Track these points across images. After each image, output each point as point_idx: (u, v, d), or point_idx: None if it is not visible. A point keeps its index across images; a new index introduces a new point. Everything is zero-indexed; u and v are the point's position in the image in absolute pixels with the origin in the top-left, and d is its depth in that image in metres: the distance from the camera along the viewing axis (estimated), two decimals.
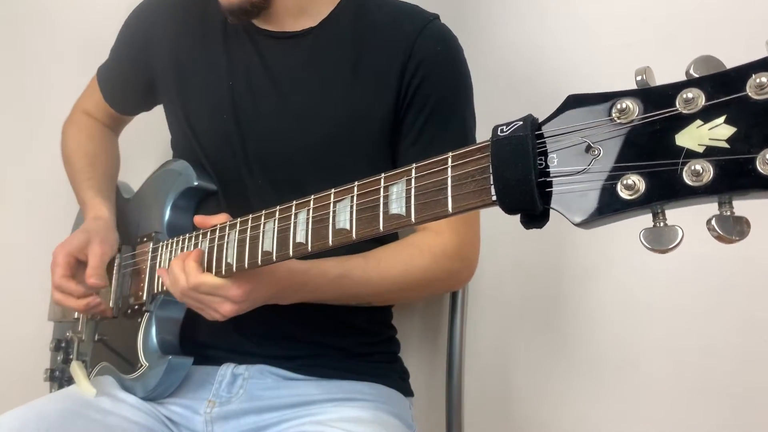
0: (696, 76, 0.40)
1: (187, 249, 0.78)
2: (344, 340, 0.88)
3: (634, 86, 0.42)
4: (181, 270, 0.72)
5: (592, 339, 1.04)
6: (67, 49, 1.42)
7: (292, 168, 0.84)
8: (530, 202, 0.44)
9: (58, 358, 1.00)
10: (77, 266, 0.87)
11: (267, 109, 0.86)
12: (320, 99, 0.84)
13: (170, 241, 0.82)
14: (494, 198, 0.45)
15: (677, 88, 0.40)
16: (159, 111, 0.99)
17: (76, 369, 0.87)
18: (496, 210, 1.08)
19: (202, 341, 0.86)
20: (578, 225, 0.42)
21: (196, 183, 0.86)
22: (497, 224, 1.07)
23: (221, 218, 0.73)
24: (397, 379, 0.93)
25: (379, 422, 0.80)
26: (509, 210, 0.45)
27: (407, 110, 0.84)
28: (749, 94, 0.37)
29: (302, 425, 0.80)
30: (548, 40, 1.06)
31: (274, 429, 0.82)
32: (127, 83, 1.01)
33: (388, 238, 0.93)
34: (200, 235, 0.75)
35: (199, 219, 0.75)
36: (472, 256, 0.90)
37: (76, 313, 0.97)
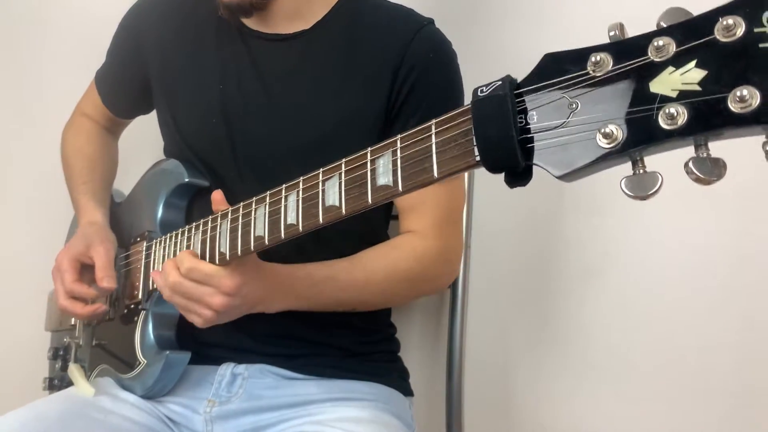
0: (665, 26, 0.41)
1: (180, 244, 0.79)
2: (344, 339, 0.88)
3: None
4: (172, 266, 0.72)
5: (591, 338, 1.03)
6: (66, 50, 1.43)
7: (282, 170, 0.83)
8: (513, 159, 0.44)
9: (57, 366, 1.00)
10: (83, 270, 0.86)
11: (257, 111, 0.86)
12: (311, 102, 0.85)
13: (163, 237, 0.83)
14: (478, 158, 0.46)
15: (648, 37, 0.41)
16: (154, 115, 1.00)
17: (73, 370, 0.87)
18: (495, 210, 1.09)
19: (202, 340, 0.85)
20: (560, 177, 0.43)
21: (187, 180, 0.86)
22: (498, 225, 1.08)
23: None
24: (396, 378, 0.92)
25: (378, 422, 0.80)
26: (493, 168, 0.46)
27: (398, 114, 0.85)
28: (717, 37, 0.38)
29: (302, 425, 0.80)
30: (547, 43, 1.07)
31: (274, 429, 0.81)
32: (123, 86, 1.02)
33: (379, 238, 0.93)
34: (192, 229, 0.76)
35: (218, 196, 0.73)
36: (455, 258, 0.91)
37: (73, 320, 0.97)
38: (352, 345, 0.89)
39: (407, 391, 0.93)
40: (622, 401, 1.00)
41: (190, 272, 0.71)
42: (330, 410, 0.81)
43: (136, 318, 0.85)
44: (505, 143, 0.44)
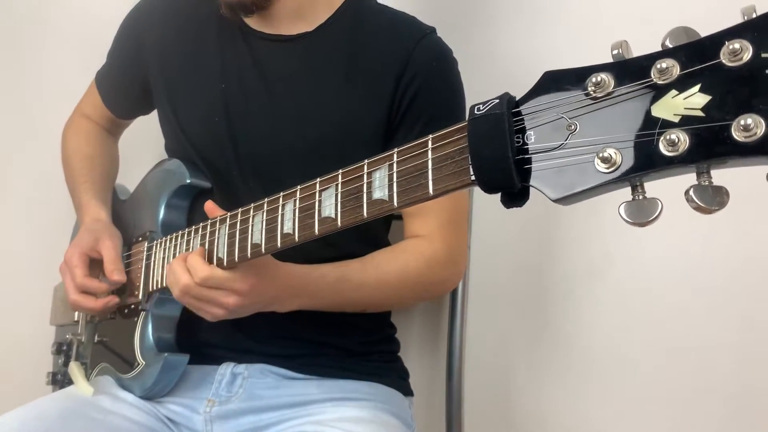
0: (671, 46, 0.39)
1: (179, 246, 0.79)
2: (344, 339, 0.88)
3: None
4: (183, 268, 0.72)
5: (591, 339, 1.03)
6: (66, 50, 1.43)
7: (283, 171, 0.84)
8: (508, 180, 0.43)
9: (59, 361, 1.01)
10: (92, 265, 0.87)
11: (259, 111, 0.86)
12: (312, 103, 0.85)
13: (164, 239, 0.83)
14: (473, 178, 0.45)
15: (652, 59, 0.39)
16: (155, 114, 0.99)
17: (74, 369, 0.88)
18: (496, 210, 1.09)
19: (202, 340, 0.86)
20: (556, 201, 0.42)
21: (189, 180, 0.86)
22: (498, 225, 1.07)
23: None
24: (396, 378, 0.92)
25: (378, 422, 0.80)
26: (488, 189, 0.45)
27: (400, 122, 0.85)
28: (723, 61, 0.37)
29: (302, 425, 0.80)
30: (547, 47, 1.06)
31: (274, 429, 0.82)
32: (123, 87, 1.02)
33: (378, 235, 0.93)
34: (192, 232, 0.76)
35: (210, 206, 0.74)
36: (461, 263, 0.91)
37: (76, 316, 0.98)
38: (352, 345, 0.89)
39: (407, 391, 0.93)
40: (622, 401, 1.00)
41: (206, 281, 0.70)
42: (330, 410, 0.82)
43: (136, 318, 0.85)
44: (500, 163, 0.43)
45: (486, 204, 1.04)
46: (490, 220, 1.06)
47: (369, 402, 0.84)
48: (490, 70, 1.08)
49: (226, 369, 0.85)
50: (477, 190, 1.04)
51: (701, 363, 0.95)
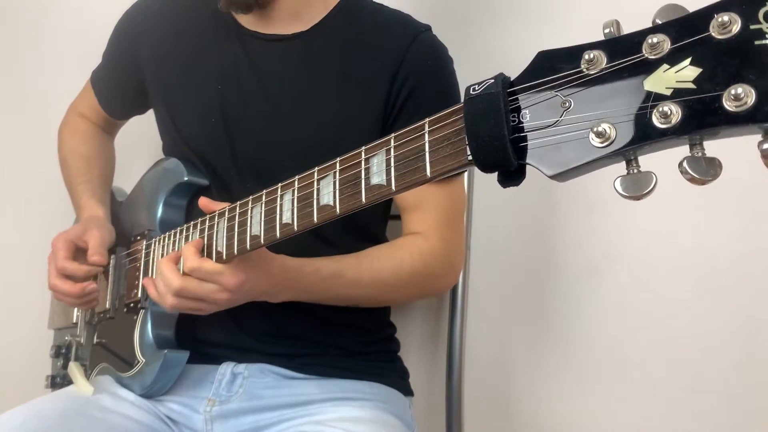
0: (660, 23, 0.40)
1: (178, 243, 0.79)
2: (344, 338, 0.88)
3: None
4: (173, 268, 0.72)
5: (592, 339, 1.03)
6: (65, 49, 1.44)
7: (281, 172, 0.83)
8: (505, 158, 0.44)
9: (59, 364, 1.01)
10: (77, 253, 0.87)
11: (256, 113, 0.86)
12: (309, 104, 0.85)
13: (162, 236, 0.83)
14: (470, 157, 0.46)
15: (643, 34, 0.40)
16: (152, 115, 1.00)
17: (73, 369, 0.88)
18: (495, 210, 1.09)
19: (202, 339, 0.86)
20: (552, 177, 0.43)
21: (186, 178, 0.86)
22: (497, 224, 1.07)
23: (225, 206, 0.72)
24: (396, 378, 0.92)
25: (378, 422, 0.79)
26: (485, 167, 0.45)
27: (395, 120, 0.85)
28: (712, 34, 0.38)
29: (302, 425, 0.79)
30: (543, 44, 1.06)
31: (274, 428, 0.81)
32: (118, 87, 1.02)
33: (377, 235, 0.93)
34: (191, 227, 0.76)
35: (204, 201, 0.74)
36: (457, 260, 0.91)
37: (75, 318, 0.98)
38: (352, 344, 0.89)
39: (407, 391, 0.93)
40: (622, 401, 1.00)
41: (194, 272, 0.70)
42: (330, 410, 0.81)
43: (135, 317, 0.85)
44: (496, 142, 0.44)
45: (486, 203, 1.05)
46: (489, 220, 1.07)
47: (369, 402, 0.84)
48: (486, 68, 1.08)
49: (226, 369, 0.84)
50: (477, 189, 1.05)
51: (702, 362, 0.95)
